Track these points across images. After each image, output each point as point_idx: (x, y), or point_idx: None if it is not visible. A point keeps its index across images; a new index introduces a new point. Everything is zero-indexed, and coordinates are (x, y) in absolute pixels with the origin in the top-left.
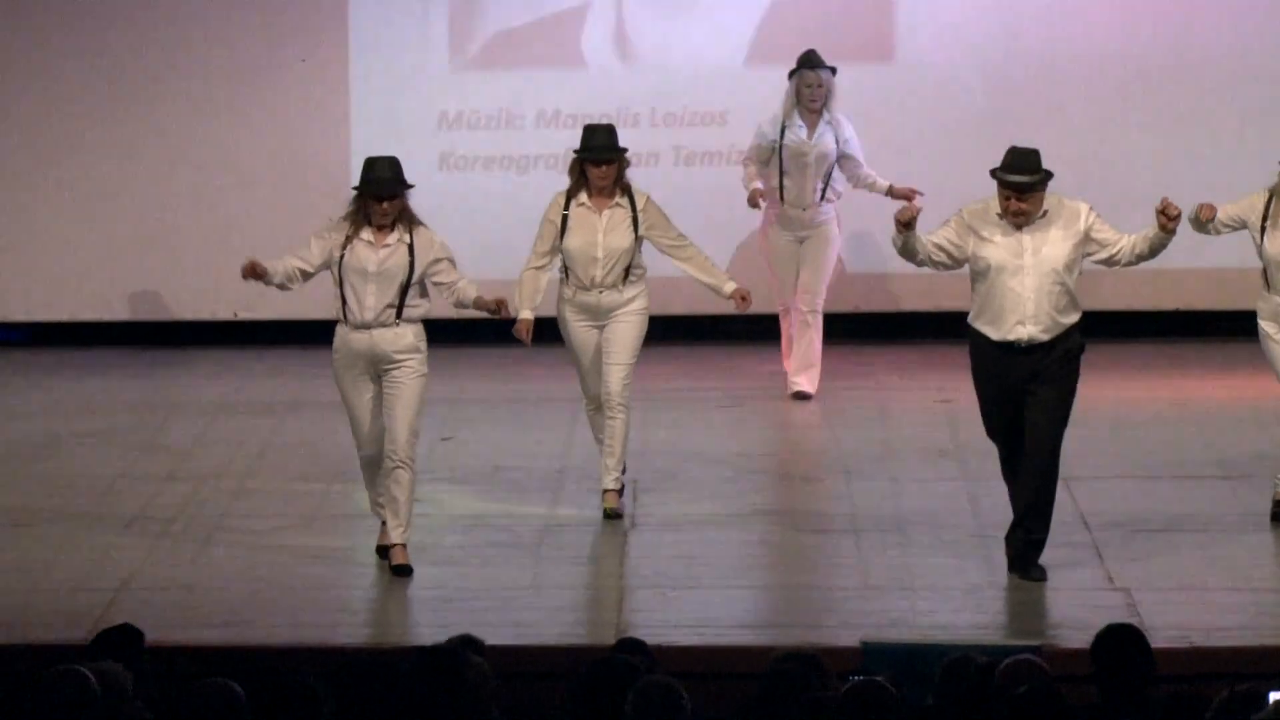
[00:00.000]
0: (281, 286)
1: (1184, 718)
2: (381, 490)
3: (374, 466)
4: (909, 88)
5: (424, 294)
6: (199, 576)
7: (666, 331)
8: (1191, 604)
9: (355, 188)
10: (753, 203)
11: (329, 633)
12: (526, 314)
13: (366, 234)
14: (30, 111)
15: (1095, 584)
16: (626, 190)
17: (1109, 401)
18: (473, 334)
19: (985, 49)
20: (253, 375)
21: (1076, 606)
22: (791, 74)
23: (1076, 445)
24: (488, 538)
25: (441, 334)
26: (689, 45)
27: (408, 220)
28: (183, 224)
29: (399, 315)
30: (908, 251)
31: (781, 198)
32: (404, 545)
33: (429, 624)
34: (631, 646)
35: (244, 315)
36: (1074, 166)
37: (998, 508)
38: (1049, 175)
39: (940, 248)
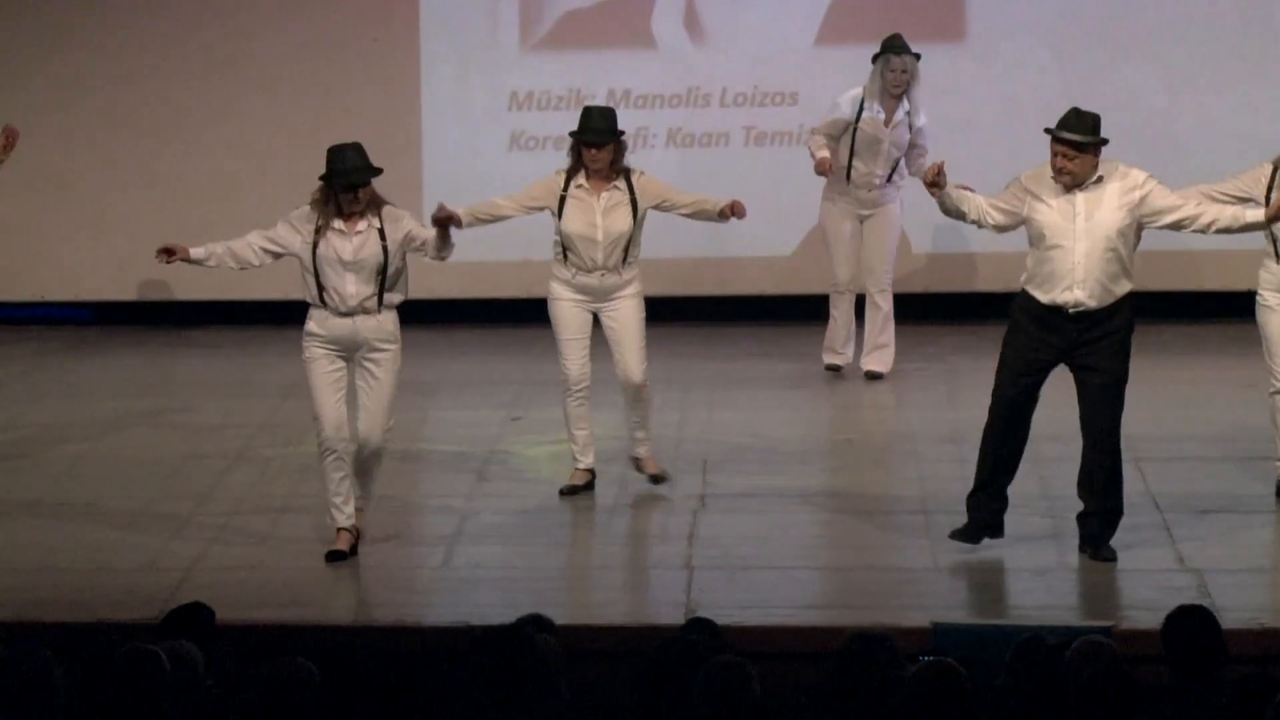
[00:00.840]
0: (219, 266)
1: (1255, 699)
2: (339, 482)
3: (333, 455)
4: (980, 68)
5: (404, 282)
6: (267, 556)
7: (736, 311)
8: (1262, 585)
9: (322, 177)
10: (821, 170)
11: (397, 612)
12: (460, 210)
13: (337, 223)
14: (99, 93)
15: (1166, 565)
16: (624, 174)
17: (1180, 382)
18: (541, 315)
19: (1057, 28)
20: None
21: (1147, 587)
22: (876, 57)
23: (1148, 426)
24: (556, 518)
25: (510, 314)
26: (759, 25)
27: (375, 205)
28: (251, 204)
29: (380, 303)
30: (950, 211)
31: (848, 177)
32: (351, 529)
33: (498, 604)
34: (700, 626)
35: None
36: (1148, 146)
37: (1068, 489)
38: (1103, 140)
39: (996, 209)
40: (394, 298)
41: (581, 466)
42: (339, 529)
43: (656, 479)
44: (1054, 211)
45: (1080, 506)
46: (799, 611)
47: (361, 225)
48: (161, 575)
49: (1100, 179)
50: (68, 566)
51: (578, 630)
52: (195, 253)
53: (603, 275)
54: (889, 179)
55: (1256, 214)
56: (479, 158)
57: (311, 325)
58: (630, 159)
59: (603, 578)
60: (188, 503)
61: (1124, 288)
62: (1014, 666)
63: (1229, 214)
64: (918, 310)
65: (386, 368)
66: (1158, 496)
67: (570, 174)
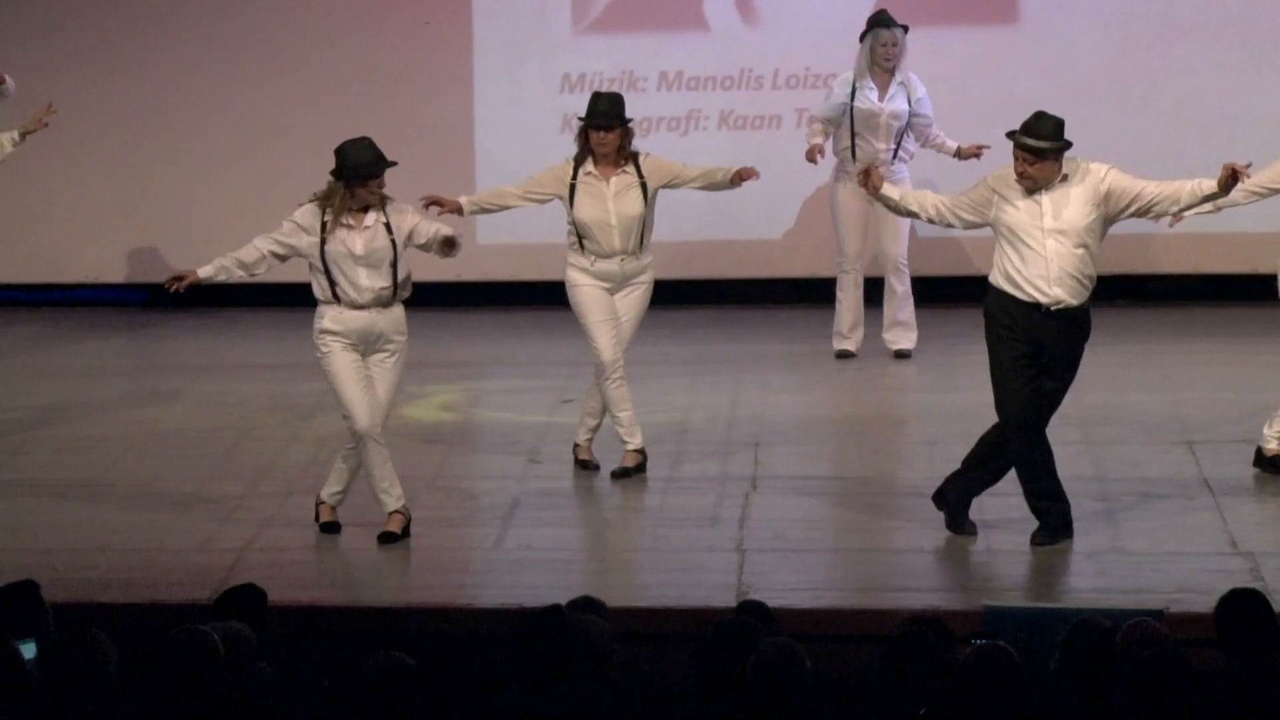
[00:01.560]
0: (230, 279)
1: None
2: (345, 477)
3: (377, 441)
4: (1033, 49)
5: (407, 266)
6: (321, 537)
7: (786, 294)
8: None
9: (334, 172)
10: (810, 158)
11: (450, 594)
12: (462, 199)
13: (345, 218)
14: (152, 76)
15: (1219, 548)
16: (633, 159)
17: (1233, 364)
18: None
19: (1109, 9)
20: None
21: (1200, 571)
22: (864, 35)
23: (1200, 409)
24: (608, 500)
25: (563, 297)
26: (811, 6)
27: (381, 200)
28: (305, 187)
29: (395, 294)
30: (899, 211)
31: (853, 156)
32: (398, 512)
33: (550, 585)
34: (752, 609)
35: None
36: (1199, 128)
37: (1120, 472)
38: (1065, 145)
39: (962, 208)
40: (404, 291)
41: (631, 448)
42: (390, 512)
43: (620, 474)
44: (1021, 213)
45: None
46: (851, 594)
47: (369, 219)
48: (215, 556)
49: (1065, 177)
50: (123, 547)
51: (629, 612)
52: (204, 272)
53: (622, 260)
54: (895, 155)
55: (1210, 183)
56: (531, 141)
57: (326, 323)
58: (681, 141)
59: (654, 560)
60: (242, 484)
61: (1093, 281)
62: (1066, 650)
63: (1188, 188)
64: (967, 292)
65: (397, 359)
66: (1210, 479)
67: (578, 161)
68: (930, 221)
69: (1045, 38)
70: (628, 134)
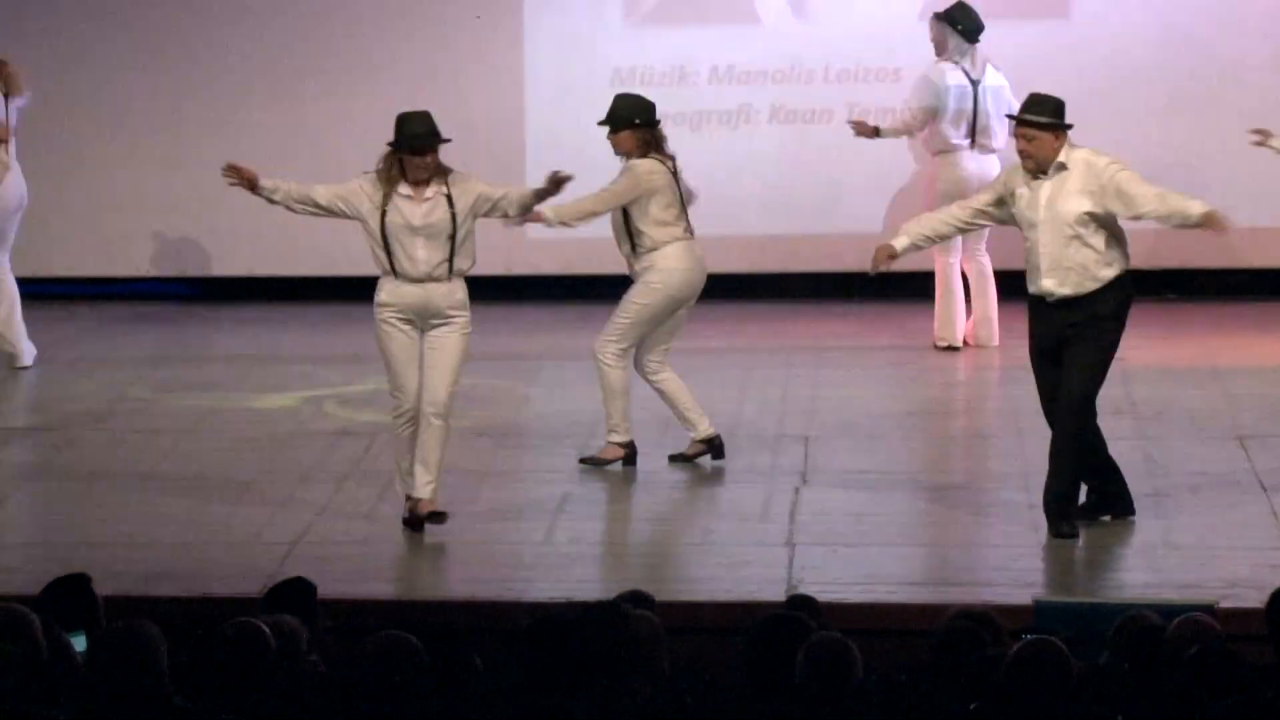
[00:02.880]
0: (283, 203)
1: None
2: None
3: (413, 424)
4: (1084, 43)
5: (471, 249)
6: (373, 531)
7: (836, 288)
8: None
9: (390, 143)
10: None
11: (501, 588)
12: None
13: (404, 189)
14: (200, 72)
15: (1271, 543)
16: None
17: None
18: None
19: (1160, 3)
20: None
21: (1251, 566)
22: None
23: (1250, 404)
24: (658, 494)
25: (613, 291)
26: (862, 1)
27: (442, 171)
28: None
29: (451, 270)
30: (924, 248)
31: (972, 136)
32: (426, 499)
33: (599, 579)
34: (802, 603)
35: None
36: (1252, 120)
37: (1171, 466)
38: (1062, 125)
39: (982, 206)
40: (462, 264)
41: (698, 438)
42: (416, 499)
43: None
44: (1024, 202)
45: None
46: (901, 589)
47: (430, 191)
48: (267, 549)
49: (1064, 166)
50: (174, 540)
51: (678, 607)
52: (264, 184)
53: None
54: (972, 144)
55: (1196, 208)
56: (582, 134)
57: (383, 295)
58: (732, 135)
59: (704, 554)
60: (293, 477)
61: (1108, 272)
62: (1116, 644)
63: (1180, 207)
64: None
65: (457, 333)
66: (1262, 474)
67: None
68: (962, 233)
69: (1096, 32)
70: (646, 138)
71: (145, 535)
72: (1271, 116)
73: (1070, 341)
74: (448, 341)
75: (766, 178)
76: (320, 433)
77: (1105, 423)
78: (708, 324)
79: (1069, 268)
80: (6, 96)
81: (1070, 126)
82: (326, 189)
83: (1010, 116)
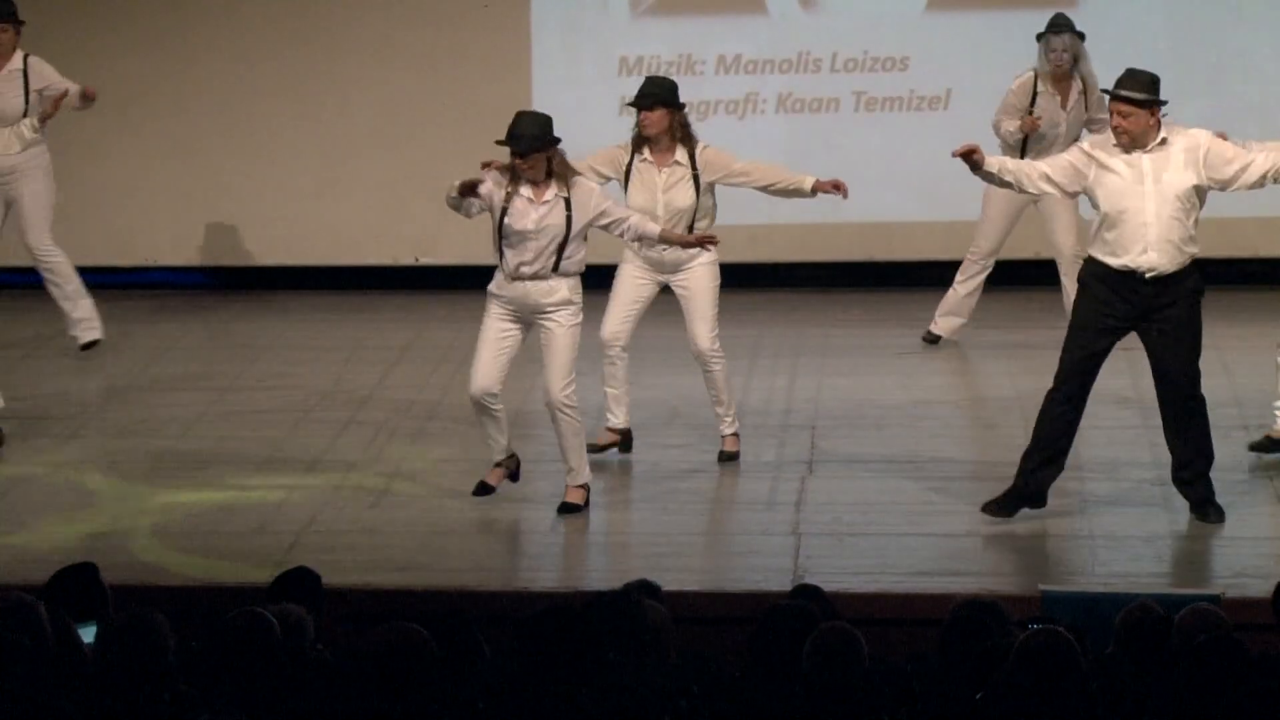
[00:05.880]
0: (465, 213)
1: None
2: (489, 426)
3: (481, 409)
4: (1094, 34)
5: (581, 255)
6: (379, 520)
7: (843, 277)
8: None
9: (499, 141)
10: (1030, 128)
11: (507, 577)
12: None
13: (525, 190)
14: (212, 60)
15: (1276, 532)
16: (689, 148)
17: None
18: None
19: None
20: (432, 319)
21: (1257, 555)
22: (1039, 36)
23: (1257, 395)
24: (664, 484)
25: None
26: None
27: (563, 175)
28: (363, 170)
29: (555, 269)
30: (996, 183)
31: (1023, 154)
32: (576, 486)
33: (607, 569)
34: (808, 593)
35: (424, 260)
36: (1261, 110)
37: None
38: (1160, 100)
39: (1049, 176)
40: (569, 266)
41: (608, 426)
42: (495, 464)
43: (724, 457)
44: (1123, 176)
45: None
46: (907, 578)
47: (549, 194)
48: (273, 538)
49: (1164, 141)
50: (181, 528)
51: (686, 596)
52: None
53: (666, 248)
54: (1023, 154)
55: None
56: (589, 124)
57: (492, 286)
58: (739, 124)
59: (711, 543)
60: (300, 466)
61: (1192, 249)
62: (1122, 634)
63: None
64: (1032, 274)
65: (561, 327)
66: (1269, 464)
67: (635, 145)
68: (1022, 190)
69: (1106, 20)
70: (677, 118)
71: (152, 523)
72: (1276, 107)
73: (1160, 320)
74: (553, 336)
75: None
76: (327, 422)
77: (1112, 412)
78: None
79: (1171, 242)
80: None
81: (1165, 102)
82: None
83: (1105, 91)
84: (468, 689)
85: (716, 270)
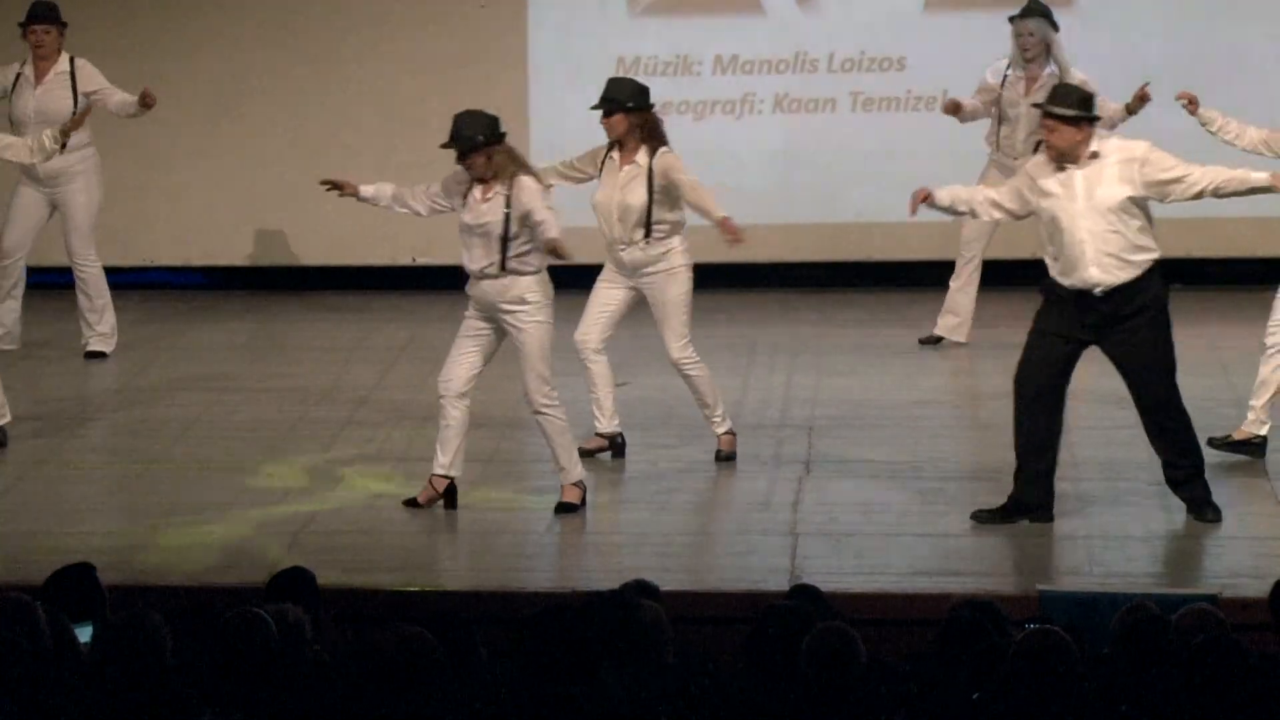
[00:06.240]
0: (385, 208)
1: None
2: (440, 432)
3: (440, 409)
4: (1089, 34)
5: (528, 243)
6: (376, 520)
7: (840, 277)
8: None
9: (442, 145)
10: (947, 110)
11: (504, 577)
12: None
13: (476, 188)
14: (210, 60)
15: (1274, 532)
16: (652, 151)
17: None
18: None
19: None
20: (430, 319)
21: (1254, 555)
22: (1011, 19)
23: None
24: (661, 484)
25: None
26: None
27: (509, 172)
28: (360, 169)
29: (502, 267)
30: (954, 213)
31: (997, 144)
32: (571, 485)
33: (604, 569)
34: (805, 593)
35: (422, 260)
36: (1256, 111)
37: None
38: (1086, 117)
39: (998, 203)
40: (515, 264)
41: (596, 431)
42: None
43: (720, 455)
44: (1057, 195)
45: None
46: (904, 578)
47: (493, 192)
48: (270, 539)
49: (1095, 154)
50: (178, 529)
51: (683, 596)
52: (365, 191)
53: (624, 249)
54: (1036, 150)
55: (1261, 176)
56: (586, 124)
57: (467, 286)
58: (736, 124)
59: (708, 543)
60: (297, 467)
61: (1146, 257)
62: (1120, 634)
63: (1237, 176)
64: (1029, 275)
65: (522, 327)
66: (1265, 463)
67: (609, 144)
68: (976, 217)
69: (1100, 21)
70: (642, 119)
71: (149, 524)
72: (1275, 106)
73: (1123, 333)
74: (517, 337)
75: (770, 167)
76: (325, 422)
77: (1109, 412)
78: (711, 313)
79: (1111, 255)
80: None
81: (1096, 119)
82: (425, 186)
83: (1036, 105)
84: (465, 690)
85: (684, 277)
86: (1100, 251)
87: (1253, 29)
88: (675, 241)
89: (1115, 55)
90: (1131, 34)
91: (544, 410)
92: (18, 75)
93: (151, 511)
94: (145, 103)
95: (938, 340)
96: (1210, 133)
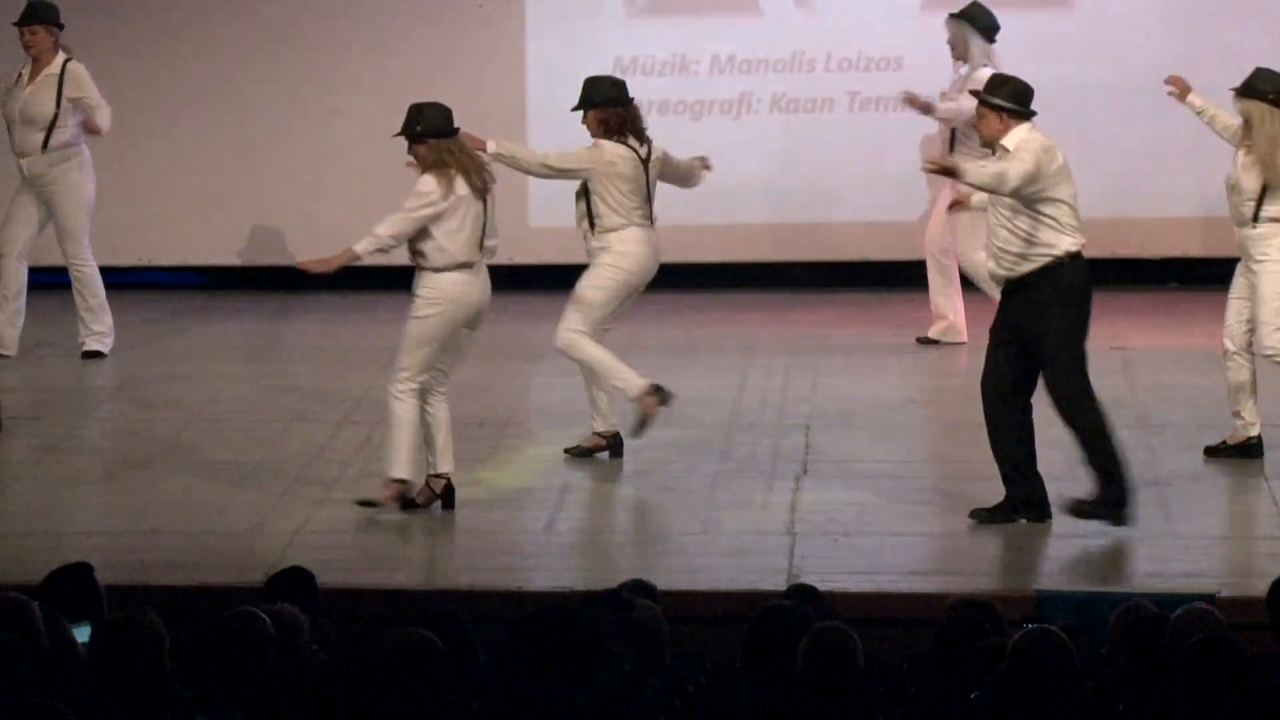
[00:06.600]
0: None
1: None
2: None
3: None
4: (1088, 34)
5: (416, 242)
6: (376, 520)
7: (837, 277)
8: None
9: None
10: (909, 101)
11: (502, 577)
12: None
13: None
14: (205, 58)
15: (1272, 532)
16: (608, 139)
17: None
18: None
19: None
20: None
21: (1253, 555)
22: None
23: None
24: (659, 483)
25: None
26: None
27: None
28: (358, 168)
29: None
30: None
31: (950, 149)
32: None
33: (601, 568)
34: (803, 592)
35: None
36: None
37: (1173, 455)
38: (1005, 107)
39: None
40: (416, 259)
41: (593, 430)
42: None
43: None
44: None
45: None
46: (902, 578)
47: None
48: (268, 539)
49: (1006, 149)
50: (176, 529)
51: (680, 596)
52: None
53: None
54: (951, 149)
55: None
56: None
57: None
58: (733, 124)
59: (705, 543)
60: (294, 466)
61: (1045, 251)
62: (1117, 634)
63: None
64: None
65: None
66: (1264, 463)
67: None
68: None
69: (1100, 22)
70: (605, 115)
71: (148, 524)
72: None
73: (1028, 327)
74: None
75: (768, 167)
76: (323, 422)
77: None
78: (708, 313)
79: (1002, 248)
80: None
81: (1021, 112)
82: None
83: (972, 93)
84: (463, 690)
85: (602, 269)
86: (993, 243)
87: (1251, 29)
88: (608, 236)
89: (1113, 56)
90: (1129, 33)
91: (389, 396)
92: (19, 74)
93: (150, 511)
94: (88, 126)
95: (934, 341)
96: (1205, 121)
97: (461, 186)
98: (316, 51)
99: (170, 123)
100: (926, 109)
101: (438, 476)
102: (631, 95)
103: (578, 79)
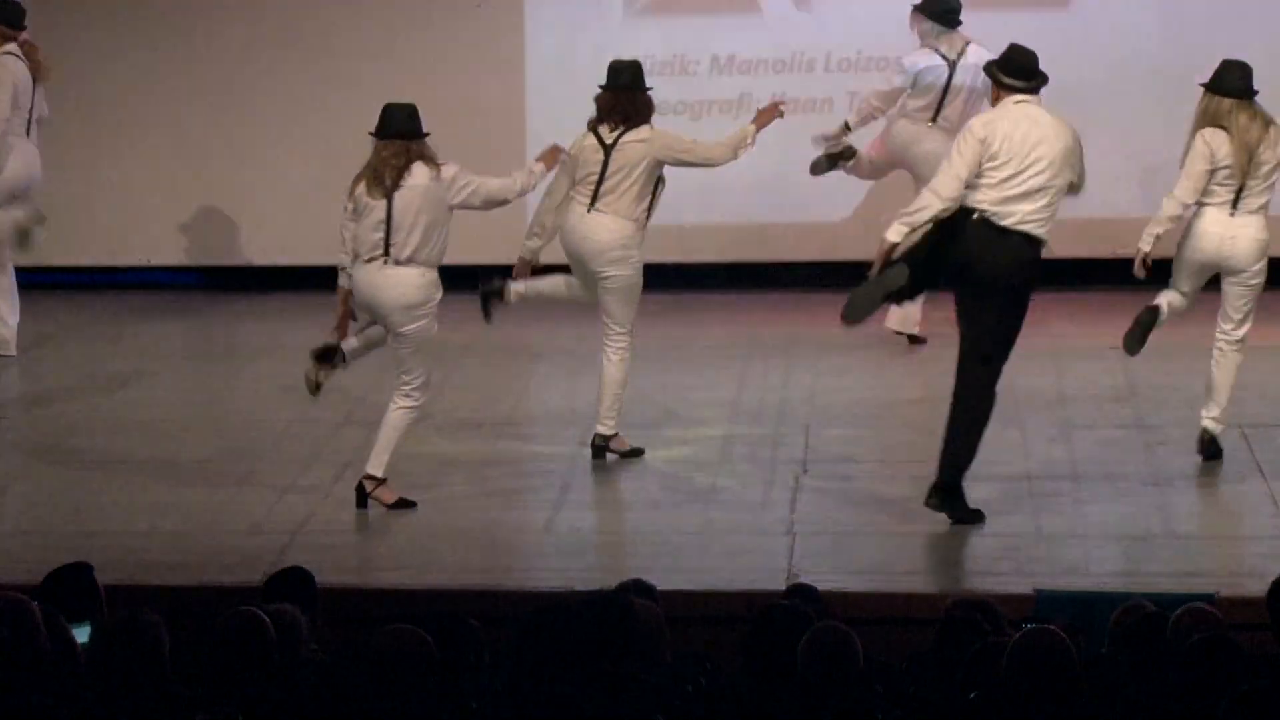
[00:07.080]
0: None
1: None
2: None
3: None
4: (1085, 33)
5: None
6: (373, 520)
7: (840, 276)
8: None
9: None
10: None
11: (500, 577)
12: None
13: None
14: (203, 58)
15: (1271, 531)
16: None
17: None
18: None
19: None
20: None
21: (1252, 555)
22: None
23: (1252, 394)
24: (658, 482)
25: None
26: None
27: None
28: (356, 167)
29: None
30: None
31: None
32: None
33: (601, 568)
34: (802, 592)
35: None
36: None
37: (1173, 455)
38: (1003, 82)
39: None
40: None
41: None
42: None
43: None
44: None
45: None
46: (901, 578)
47: None
48: (268, 538)
49: None
50: (176, 529)
51: (680, 595)
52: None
53: None
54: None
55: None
56: (582, 124)
57: None
58: (733, 124)
59: (705, 543)
60: (295, 466)
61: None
62: (1117, 634)
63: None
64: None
65: None
66: (1263, 463)
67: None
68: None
69: (1096, 21)
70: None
71: (148, 523)
72: (1270, 106)
73: (967, 314)
74: None
75: (767, 167)
76: (321, 421)
77: (1106, 411)
78: (708, 312)
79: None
80: (35, 81)
81: (1006, 84)
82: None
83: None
84: (463, 690)
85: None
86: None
87: (1247, 30)
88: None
89: (1111, 54)
90: (1127, 34)
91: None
92: None
93: (149, 511)
94: None
95: (919, 340)
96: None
97: (363, 188)
98: (316, 52)
99: (170, 123)
100: (845, 129)
101: (369, 476)
102: (624, 81)
103: (577, 79)
